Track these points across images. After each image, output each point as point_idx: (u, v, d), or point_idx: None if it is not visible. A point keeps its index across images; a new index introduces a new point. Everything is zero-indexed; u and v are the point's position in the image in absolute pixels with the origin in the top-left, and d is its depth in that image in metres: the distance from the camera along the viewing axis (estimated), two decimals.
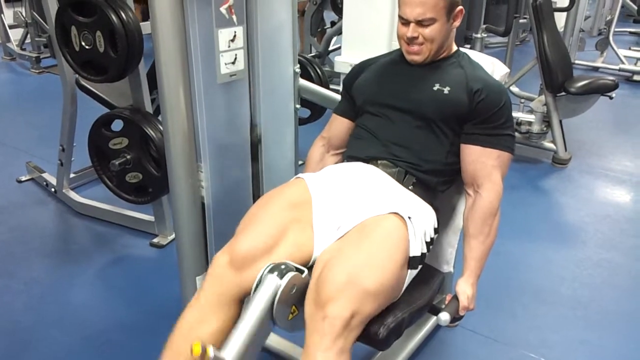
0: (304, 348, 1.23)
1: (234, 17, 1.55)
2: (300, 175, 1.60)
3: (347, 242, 1.35)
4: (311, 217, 1.44)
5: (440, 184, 1.60)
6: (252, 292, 1.28)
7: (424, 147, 1.57)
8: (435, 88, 1.56)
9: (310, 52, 4.82)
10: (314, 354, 1.20)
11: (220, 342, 1.29)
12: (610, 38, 5.63)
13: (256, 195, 1.87)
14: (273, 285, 1.24)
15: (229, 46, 1.56)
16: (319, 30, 5.14)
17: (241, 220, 1.47)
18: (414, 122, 1.57)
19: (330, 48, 4.90)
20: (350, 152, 1.67)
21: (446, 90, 1.55)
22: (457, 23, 1.58)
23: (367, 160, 1.60)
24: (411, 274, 1.40)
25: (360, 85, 1.70)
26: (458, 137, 1.58)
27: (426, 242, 1.45)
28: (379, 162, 1.58)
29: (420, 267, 1.44)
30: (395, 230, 1.36)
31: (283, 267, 1.26)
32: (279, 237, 1.37)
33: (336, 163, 1.76)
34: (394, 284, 1.33)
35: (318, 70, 2.98)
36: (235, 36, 1.56)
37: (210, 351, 1.12)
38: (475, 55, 1.72)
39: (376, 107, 1.64)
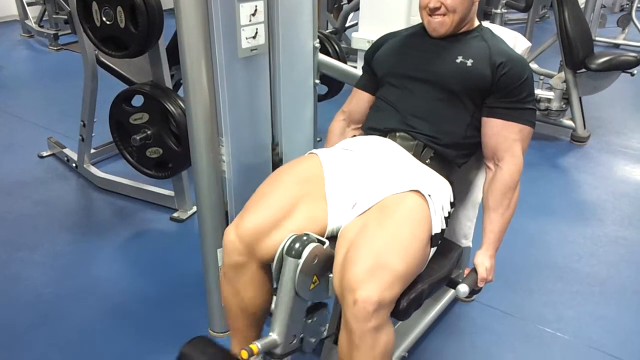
0: (342, 330, 1.28)
1: None
2: (313, 150, 1.60)
3: (369, 221, 1.34)
4: (323, 190, 1.44)
5: (458, 157, 1.61)
6: (273, 270, 1.33)
7: (444, 120, 1.57)
8: (458, 60, 1.56)
9: (327, 28, 4.80)
10: (352, 336, 1.24)
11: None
12: (633, 14, 5.52)
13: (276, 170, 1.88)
14: (293, 266, 1.27)
15: (250, 20, 1.56)
16: (335, 6, 5.11)
17: (252, 196, 1.48)
18: (435, 94, 1.57)
19: (347, 24, 4.87)
20: (369, 123, 1.68)
21: (469, 62, 1.55)
22: None
23: (385, 132, 1.60)
24: (432, 250, 1.42)
25: (381, 57, 1.71)
26: (479, 111, 1.58)
27: (445, 218, 1.46)
28: (397, 134, 1.58)
29: (439, 242, 1.45)
30: (417, 209, 1.37)
31: (305, 238, 1.28)
32: (290, 210, 1.39)
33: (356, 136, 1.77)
34: (420, 263, 1.35)
35: (336, 46, 2.97)
36: (256, 10, 1.57)
37: (258, 347, 1.27)
38: (497, 29, 1.71)
39: (397, 79, 1.64)
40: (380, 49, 1.73)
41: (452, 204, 1.54)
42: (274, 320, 1.33)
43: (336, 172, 1.48)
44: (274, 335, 1.32)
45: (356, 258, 1.25)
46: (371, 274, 1.22)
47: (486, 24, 1.73)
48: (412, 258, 1.30)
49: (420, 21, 1.65)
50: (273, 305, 1.39)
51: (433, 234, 1.38)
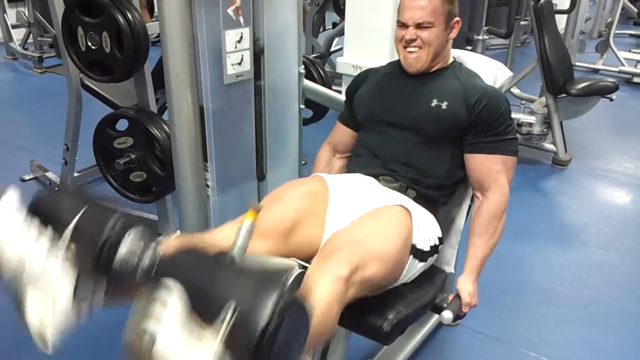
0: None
1: (241, 18, 1.57)
2: (317, 174, 1.63)
3: (353, 223, 1.40)
4: (325, 211, 1.47)
5: (441, 197, 1.63)
6: None
7: (425, 164, 1.59)
8: (433, 104, 1.58)
9: (312, 53, 4.84)
10: (316, 283, 1.16)
11: None
12: (611, 40, 5.65)
13: (261, 195, 1.89)
14: (292, 262, 1.25)
15: (236, 47, 1.58)
16: (320, 31, 5.17)
17: (265, 197, 1.49)
18: (413, 138, 1.60)
19: (332, 49, 4.92)
20: (352, 168, 1.69)
21: (444, 105, 1.57)
22: (453, 34, 1.61)
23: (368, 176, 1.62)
24: (413, 263, 1.42)
25: (360, 99, 1.73)
26: (459, 149, 1.60)
27: (431, 246, 1.47)
28: (380, 177, 1.60)
29: (423, 264, 1.46)
30: (400, 216, 1.41)
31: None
32: (296, 224, 1.40)
33: (343, 165, 1.80)
34: (396, 258, 1.34)
35: (320, 71, 3.00)
36: (242, 37, 1.59)
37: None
38: (479, 59, 1.74)
39: (375, 124, 1.67)
40: (360, 88, 1.75)
41: (441, 240, 1.55)
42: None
43: (338, 196, 1.51)
44: None
45: (335, 238, 1.31)
46: (347, 245, 1.26)
47: (468, 53, 1.76)
48: (388, 248, 1.32)
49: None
50: None
51: (413, 243, 1.40)
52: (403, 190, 1.57)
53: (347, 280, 1.19)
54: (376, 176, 1.60)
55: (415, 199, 1.56)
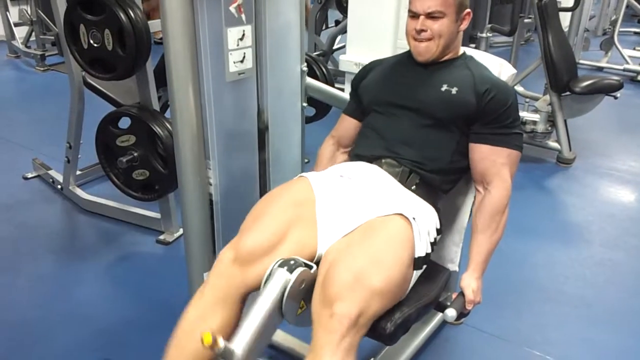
0: (311, 345, 1.24)
1: (243, 16, 1.56)
2: (303, 174, 1.61)
3: (352, 241, 1.36)
4: (314, 215, 1.44)
5: (444, 183, 1.61)
6: (261, 286, 1.29)
7: (429, 146, 1.58)
8: (443, 89, 1.57)
9: (315, 51, 4.84)
10: (321, 352, 1.21)
11: (224, 338, 1.30)
12: (615, 38, 5.62)
13: (263, 193, 1.88)
14: (283, 279, 1.25)
15: (238, 45, 1.57)
16: (323, 29, 5.16)
17: (245, 217, 1.48)
18: (421, 121, 1.59)
19: (335, 47, 4.91)
20: (356, 150, 1.69)
21: (454, 90, 1.56)
22: (464, 26, 1.60)
23: (372, 159, 1.61)
24: (416, 274, 1.41)
25: (367, 85, 1.72)
26: (465, 137, 1.59)
27: (430, 243, 1.46)
28: (383, 161, 1.59)
29: (424, 267, 1.45)
30: (400, 230, 1.38)
31: (292, 262, 1.27)
32: (283, 235, 1.38)
33: (346, 160, 1.78)
34: (400, 284, 1.34)
35: (323, 69, 2.98)
36: (244, 35, 1.58)
37: (220, 342, 1.11)
38: (483, 56, 1.73)
39: (383, 106, 1.66)
40: (366, 77, 1.74)
41: (439, 231, 1.54)
42: (238, 333, 1.22)
43: (326, 197, 1.48)
44: (233, 346, 1.19)
45: (336, 275, 1.26)
46: (350, 289, 1.23)
47: (472, 50, 1.75)
48: (393, 278, 1.30)
49: (406, 48, 1.67)
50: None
51: (416, 256, 1.38)
52: (406, 176, 1.56)
53: (350, 331, 1.21)
54: (379, 159, 1.59)
55: (417, 186, 1.55)
